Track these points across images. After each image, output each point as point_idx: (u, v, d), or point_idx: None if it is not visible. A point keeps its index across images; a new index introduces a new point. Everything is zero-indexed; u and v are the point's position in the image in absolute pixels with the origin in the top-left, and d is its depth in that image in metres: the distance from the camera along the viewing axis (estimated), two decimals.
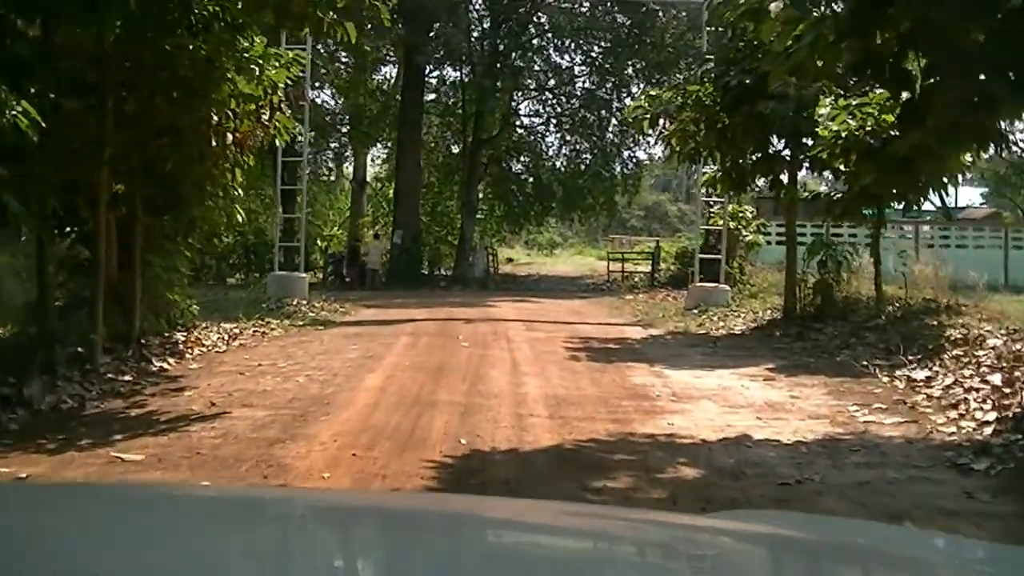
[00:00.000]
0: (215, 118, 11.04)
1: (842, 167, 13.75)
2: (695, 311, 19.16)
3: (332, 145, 37.21)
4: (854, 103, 13.20)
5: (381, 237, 33.26)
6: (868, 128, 13.09)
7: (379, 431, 7.85)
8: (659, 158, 41.12)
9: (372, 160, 41.02)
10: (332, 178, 43.72)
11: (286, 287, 19.92)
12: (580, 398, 9.50)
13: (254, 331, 15.31)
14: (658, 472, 6.73)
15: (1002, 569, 1.66)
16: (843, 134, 13.04)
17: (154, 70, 10.86)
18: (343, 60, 35.88)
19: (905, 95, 7.57)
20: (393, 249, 31.89)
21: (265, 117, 11.61)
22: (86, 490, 2.68)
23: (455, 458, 7.02)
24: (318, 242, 37.85)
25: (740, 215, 23.20)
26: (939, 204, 33.95)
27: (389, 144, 37.20)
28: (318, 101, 35.73)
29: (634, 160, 35.15)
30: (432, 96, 35.32)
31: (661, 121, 15.80)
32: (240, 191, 13.06)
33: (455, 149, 36.50)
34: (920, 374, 10.38)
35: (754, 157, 15.87)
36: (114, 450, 7.28)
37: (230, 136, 11.07)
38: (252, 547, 1.56)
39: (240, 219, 14.07)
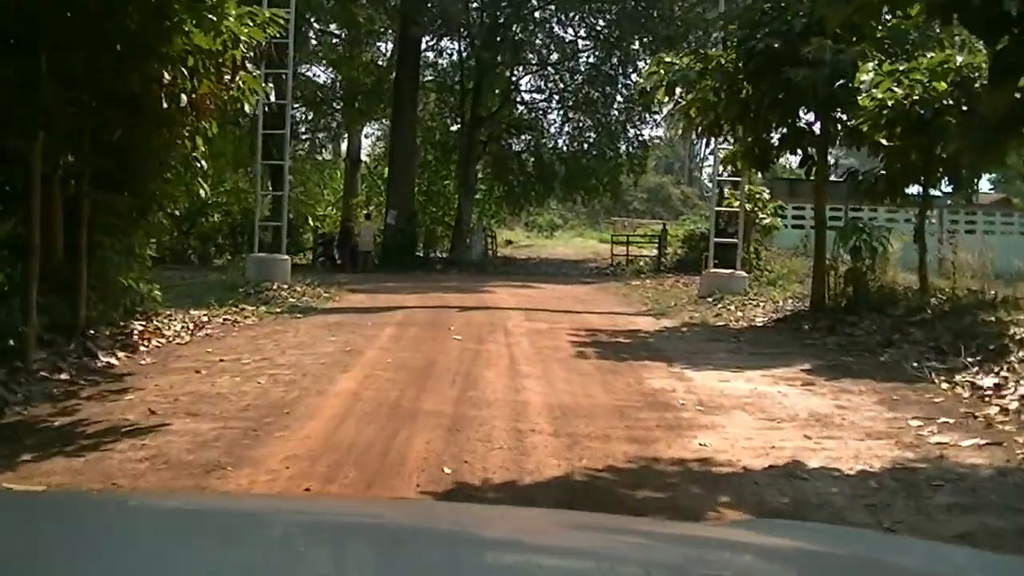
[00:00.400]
0: (167, 77, 9.47)
1: (884, 141, 12.15)
2: (710, 299, 17.66)
3: (323, 122, 35.46)
4: (901, 68, 11.63)
5: (373, 217, 31.69)
6: (916, 97, 11.51)
7: (344, 453, 6.35)
8: (667, 138, 39.14)
9: (367, 138, 39.43)
10: (328, 156, 42.17)
11: (266, 270, 18.40)
12: (590, 408, 7.99)
13: (224, 319, 13.83)
14: (696, 518, 5.23)
15: None
16: (889, 103, 11.44)
17: (96, 21, 9.28)
18: (335, 33, 34.28)
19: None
20: (386, 230, 30.35)
21: (227, 77, 10.01)
22: (76, 499, 2.63)
23: (435, 494, 5.53)
24: (310, 222, 36.44)
25: (756, 196, 21.60)
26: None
27: (384, 121, 35.57)
28: (309, 75, 34.22)
29: (640, 139, 33.50)
30: (429, 70, 33.68)
31: (678, 90, 14.21)
32: (204, 163, 11.50)
33: (453, 127, 34.79)
34: (987, 381, 8.87)
35: (780, 131, 14.32)
36: (11, 475, 5.82)
37: (184, 98, 9.48)
38: (244, 559, 1.51)
39: (204, 194, 12.47)
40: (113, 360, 10.13)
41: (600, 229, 61.07)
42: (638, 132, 33.11)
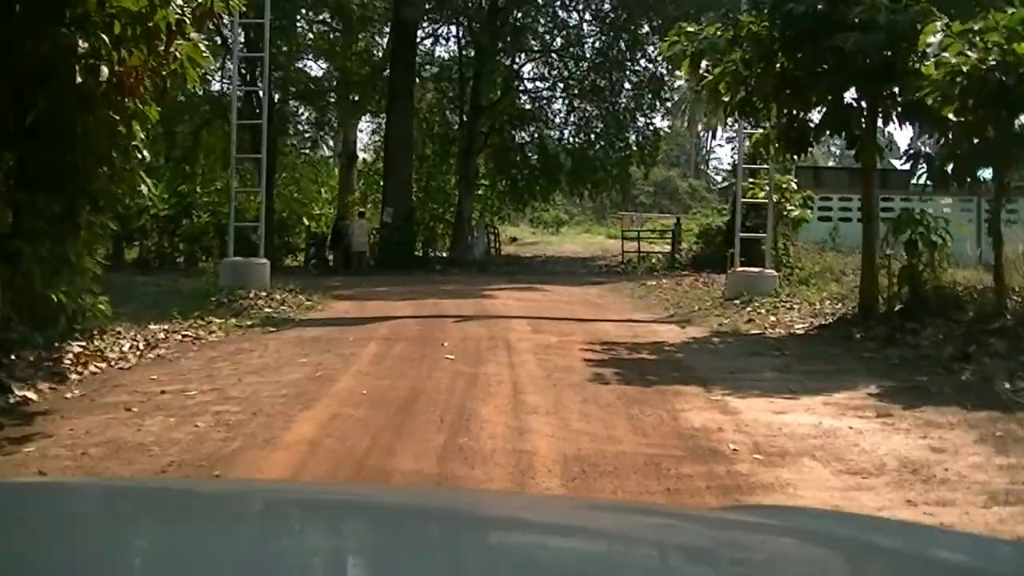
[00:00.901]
0: (83, 45, 7.62)
1: (952, 116, 10.21)
2: (737, 302, 15.79)
3: (315, 116, 33.59)
4: (976, 28, 9.72)
5: (367, 215, 29.83)
6: (993, 62, 9.59)
7: None
8: (676, 128, 36.91)
9: (363, 132, 37.56)
10: (325, 151, 40.32)
11: (242, 275, 16.57)
12: (617, 460, 6.13)
13: (184, 336, 11.98)
14: None
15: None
16: (964, 68, 9.50)
17: None
18: (326, 21, 32.39)
19: None
20: (382, 229, 28.52)
21: (161, 47, 8.14)
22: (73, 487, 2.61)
23: None
24: (305, 221, 34.66)
25: (783, 186, 19.69)
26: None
27: (381, 116, 33.65)
28: (299, 66, 32.38)
29: (651, 128, 31.57)
30: (426, 59, 31.84)
31: (704, 63, 12.30)
32: (145, 154, 9.65)
33: (452, 118, 32.89)
34: None
35: (821, 109, 12.43)
36: None
37: (105, 71, 7.62)
38: (245, 544, 1.50)
39: (147, 191, 10.60)
40: (30, 394, 8.29)
41: (607, 224, 59.25)
42: (648, 120, 31.21)
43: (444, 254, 30.90)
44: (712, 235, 29.45)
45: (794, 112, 12.47)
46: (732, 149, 29.94)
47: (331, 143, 38.68)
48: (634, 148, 31.27)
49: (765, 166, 17.90)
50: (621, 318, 14.46)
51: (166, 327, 12.34)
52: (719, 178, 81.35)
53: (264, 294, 16.17)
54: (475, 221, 31.27)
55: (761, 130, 14.63)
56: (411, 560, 1.42)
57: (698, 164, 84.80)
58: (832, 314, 13.90)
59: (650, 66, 30.39)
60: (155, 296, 15.83)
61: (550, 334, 12.06)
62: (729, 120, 14.82)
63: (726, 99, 12.34)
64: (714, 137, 73.12)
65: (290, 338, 11.93)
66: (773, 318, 14.10)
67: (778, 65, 12.01)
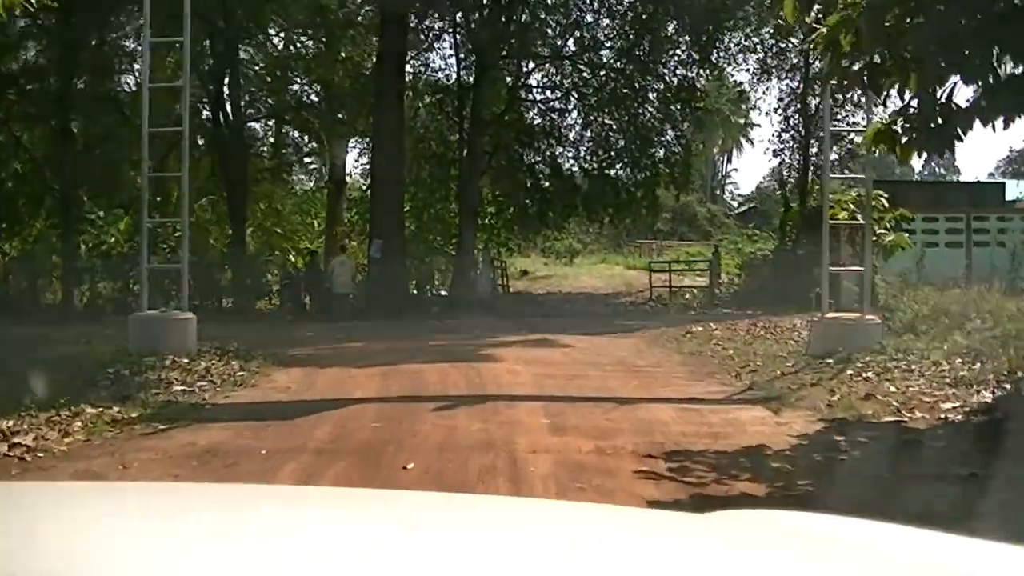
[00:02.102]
0: None
1: None
2: (830, 361, 11.46)
3: (296, 136, 29.35)
4: None
5: (350, 250, 25.60)
6: None
7: None
8: (696, 147, 32.35)
9: (355, 150, 33.28)
10: (307, 178, 36.27)
11: (157, 336, 12.30)
12: None
13: (14, 446, 7.72)
14: None
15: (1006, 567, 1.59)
16: None
17: None
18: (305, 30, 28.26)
19: None
20: (370, 265, 24.28)
21: None
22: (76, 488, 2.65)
23: None
24: (292, 258, 30.51)
25: (861, 202, 15.35)
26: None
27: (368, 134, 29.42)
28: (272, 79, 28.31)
29: (682, 142, 27.15)
30: (419, 63, 27.67)
31: (815, 9, 7.97)
32: None
33: (451, 135, 28.58)
34: None
35: (979, 82, 8.09)
36: None
37: None
38: (246, 544, 1.44)
39: None
40: None
41: (624, 253, 55.10)
42: (679, 133, 26.82)
43: (444, 292, 26.65)
44: (757, 265, 25.19)
45: (942, 84, 8.11)
46: (774, 158, 25.36)
47: (322, 168, 34.57)
48: (662, 167, 26.92)
49: (861, 175, 13.55)
50: (678, 393, 10.05)
51: (10, 424, 8.19)
52: (735, 203, 77.35)
53: (185, 360, 11.86)
54: (479, 254, 27.02)
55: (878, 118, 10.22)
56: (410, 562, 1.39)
57: (713, 189, 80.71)
58: (981, 382, 9.60)
59: (680, 70, 26.21)
60: (46, 362, 11.59)
61: (580, 435, 7.65)
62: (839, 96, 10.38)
63: (845, 64, 7.97)
64: (730, 161, 68.61)
65: (175, 448, 7.61)
66: (894, 388, 9.77)
67: (919, 15, 7.69)
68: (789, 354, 12.73)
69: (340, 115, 28.25)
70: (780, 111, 26.07)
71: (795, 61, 25.81)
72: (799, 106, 25.65)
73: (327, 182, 32.65)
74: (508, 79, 27.72)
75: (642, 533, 1.73)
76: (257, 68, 28.12)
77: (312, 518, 1.67)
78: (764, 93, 26.56)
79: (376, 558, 1.38)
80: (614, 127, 27.68)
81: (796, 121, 25.74)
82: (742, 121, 57.87)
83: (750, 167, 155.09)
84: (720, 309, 23.28)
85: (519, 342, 15.01)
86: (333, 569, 1.33)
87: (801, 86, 25.57)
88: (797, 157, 25.73)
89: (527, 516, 1.88)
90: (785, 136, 25.89)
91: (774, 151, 26.16)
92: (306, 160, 33.12)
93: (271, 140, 28.65)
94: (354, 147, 32.49)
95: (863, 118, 26.19)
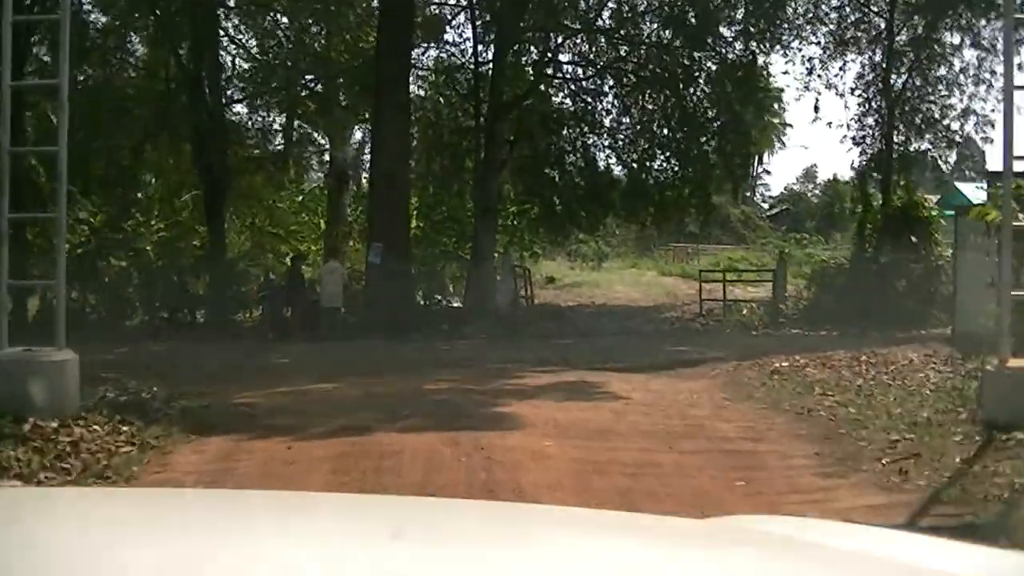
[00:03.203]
0: None
1: None
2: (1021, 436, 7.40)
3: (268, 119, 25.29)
4: None
5: (340, 254, 21.66)
6: None
7: None
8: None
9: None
10: (305, 174, 32.34)
11: (14, 387, 8.27)
12: None
13: None
14: None
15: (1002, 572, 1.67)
16: None
17: None
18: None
19: None
20: (368, 272, 20.32)
21: None
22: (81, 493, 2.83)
23: None
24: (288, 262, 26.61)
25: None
26: None
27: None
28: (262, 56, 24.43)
29: (740, 129, 22.92)
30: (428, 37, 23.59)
31: None
32: None
33: (466, 121, 24.52)
34: None
35: None
36: None
37: None
38: (252, 551, 1.47)
39: None
40: None
41: (653, 257, 50.97)
42: (738, 116, 22.61)
43: (457, 302, 22.65)
44: (830, 276, 21.10)
45: None
46: (854, 147, 21.06)
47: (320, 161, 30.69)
48: (715, 158, 22.78)
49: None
50: (825, 515, 5.97)
51: None
52: (764, 205, 73.10)
53: (53, 425, 7.88)
54: (498, 259, 23.02)
55: None
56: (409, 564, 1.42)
57: (744, 190, 76.49)
58: None
59: (738, 45, 22.11)
60: None
61: None
62: None
63: None
64: (760, 161, 63.99)
65: None
66: None
67: None
68: (944, 417, 8.64)
69: (340, 98, 24.29)
70: (859, 92, 21.86)
71: (877, 31, 21.66)
72: (881, 86, 21.45)
73: (326, 176, 28.73)
74: (533, 54, 23.61)
75: (637, 537, 1.75)
76: (241, 40, 24.26)
77: (302, 523, 1.69)
78: (841, 71, 21.87)
79: (366, 563, 1.40)
80: (657, 112, 23.56)
81: (878, 103, 21.53)
82: (775, 120, 53.65)
83: (778, 168, 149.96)
84: (787, 329, 19.25)
85: (549, 388, 10.91)
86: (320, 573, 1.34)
87: (884, 61, 21.40)
88: (878, 146, 21.52)
89: (524, 521, 1.94)
90: (867, 120, 21.63)
91: (853, 139, 21.89)
92: (299, 151, 29.00)
93: (256, 126, 24.54)
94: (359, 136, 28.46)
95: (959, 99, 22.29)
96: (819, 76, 22.20)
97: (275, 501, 2.16)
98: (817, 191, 78.72)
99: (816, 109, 23.36)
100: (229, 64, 24.28)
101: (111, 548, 1.40)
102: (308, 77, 24.30)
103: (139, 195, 25.88)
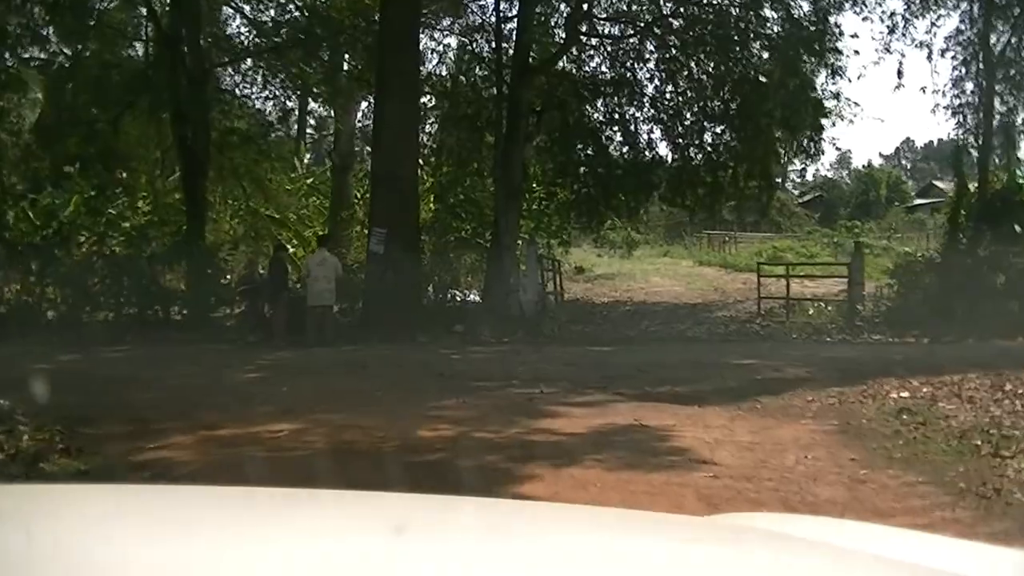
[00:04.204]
0: None
1: None
2: None
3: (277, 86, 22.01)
4: None
5: (331, 240, 18.53)
6: None
7: None
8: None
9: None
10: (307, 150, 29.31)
11: None
12: None
13: None
14: None
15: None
16: None
17: None
18: None
19: None
20: (369, 263, 17.25)
21: None
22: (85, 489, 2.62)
23: None
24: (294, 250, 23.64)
25: None
26: None
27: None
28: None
29: (813, 93, 19.47)
30: None
31: None
32: None
33: (486, 89, 21.31)
34: None
35: None
36: None
37: None
38: (254, 548, 1.42)
39: None
40: None
41: (685, 245, 47.75)
42: (809, 78, 19.21)
43: (476, 296, 19.51)
44: (917, 272, 17.85)
45: None
46: (951, 118, 17.66)
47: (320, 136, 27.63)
48: (781, 133, 19.43)
49: None
50: None
51: None
52: (795, 192, 70.11)
53: None
54: (523, 248, 19.85)
55: None
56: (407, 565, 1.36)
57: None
58: None
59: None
60: None
61: None
62: None
63: None
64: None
65: None
66: None
67: None
68: None
69: (345, 60, 21.05)
70: (954, 54, 18.44)
71: None
72: (979, 45, 18.06)
73: (331, 153, 25.64)
74: (564, 11, 20.38)
75: (639, 534, 1.72)
76: None
77: (302, 520, 1.66)
78: (934, 25, 18.53)
79: (366, 561, 1.37)
80: (708, 79, 20.25)
81: (976, 67, 18.14)
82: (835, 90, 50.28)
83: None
84: (867, 335, 16.08)
85: (594, 439, 7.65)
86: (322, 571, 1.31)
87: (982, 17, 17.99)
88: (974, 117, 18.13)
89: (525, 519, 1.89)
90: (966, 86, 18.22)
91: (952, 110, 18.49)
92: (293, 124, 25.90)
93: (243, 92, 21.31)
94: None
95: None
96: (903, 35, 18.82)
97: (278, 498, 1.98)
98: (848, 178, 75.94)
99: (900, 74, 19.70)
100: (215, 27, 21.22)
101: (111, 546, 1.35)
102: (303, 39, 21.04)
103: (122, 175, 22.93)
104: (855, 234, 37.59)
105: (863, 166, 79.00)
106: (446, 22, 21.82)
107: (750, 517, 2.04)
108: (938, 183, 72.37)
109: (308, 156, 30.94)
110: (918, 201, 63.84)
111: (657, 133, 21.30)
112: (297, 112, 26.06)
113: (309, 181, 28.52)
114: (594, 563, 1.41)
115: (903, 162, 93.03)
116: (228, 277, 18.63)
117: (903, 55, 26.88)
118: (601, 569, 1.37)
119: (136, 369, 12.56)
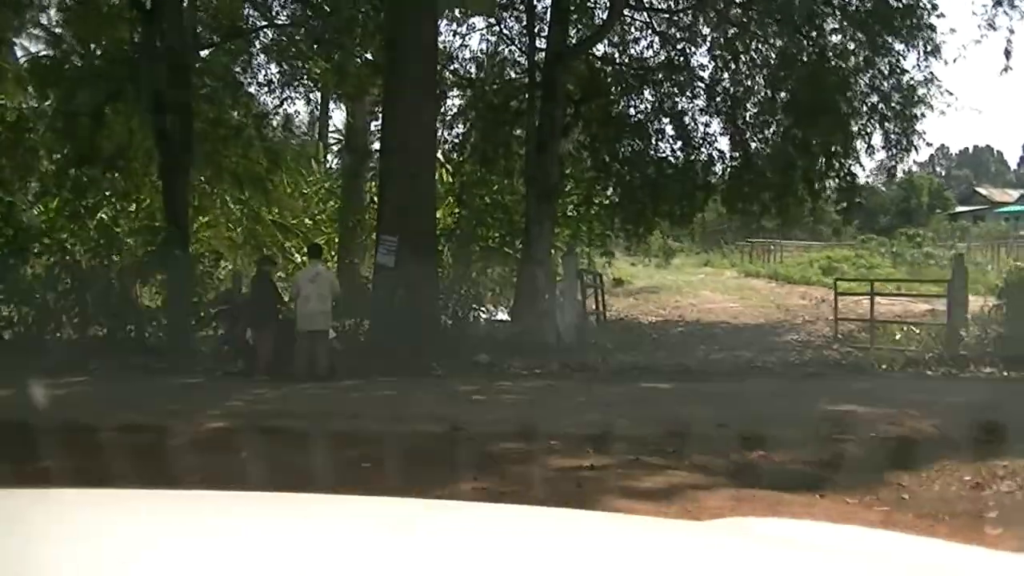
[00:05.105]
0: None
1: None
2: None
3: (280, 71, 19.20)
4: None
5: (325, 251, 15.87)
6: None
7: None
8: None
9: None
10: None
11: None
12: None
13: None
14: None
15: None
16: None
17: None
18: None
19: None
20: (376, 278, 14.57)
21: None
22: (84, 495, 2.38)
23: None
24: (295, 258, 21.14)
25: None
26: None
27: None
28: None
29: (904, 80, 16.60)
30: None
31: None
32: None
33: (516, 76, 18.61)
34: None
35: None
36: None
37: None
38: (254, 552, 1.44)
39: None
40: None
41: (723, 253, 45.19)
42: (896, 65, 16.37)
43: (504, 316, 16.80)
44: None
45: None
46: None
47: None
48: (863, 121, 16.61)
49: None
50: None
51: None
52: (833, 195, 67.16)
53: None
54: (559, 259, 17.12)
55: None
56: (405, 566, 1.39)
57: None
58: None
59: None
60: None
61: None
62: None
63: None
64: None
65: None
66: None
67: None
68: None
69: (354, 41, 18.32)
70: None
71: None
72: None
73: (340, 150, 22.98)
74: None
75: (636, 539, 1.72)
76: None
77: (304, 524, 1.64)
78: None
79: (367, 562, 1.37)
80: (773, 63, 17.44)
81: None
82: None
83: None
84: (975, 368, 13.18)
85: None
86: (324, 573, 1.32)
87: None
88: None
89: (523, 523, 1.89)
90: None
91: None
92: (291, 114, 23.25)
93: (230, 78, 18.52)
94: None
95: None
96: (1011, 9, 15.86)
97: (277, 503, 2.00)
98: (888, 185, 73.07)
99: (1008, 54, 16.66)
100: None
101: (111, 548, 1.37)
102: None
103: (106, 174, 20.39)
104: (916, 243, 34.58)
105: (904, 172, 76.00)
106: None
107: (748, 521, 1.98)
108: (980, 190, 69.54)
109: (335, 160, 28.43)
110: (960, 208, 61.18)
111: (714, 126, 18.59)
112: (319, 110, 23.37)
113: (327, 184, 26.11)
114: (594, 565, 1.41)
115: (937, 168, 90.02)
116: (204, 294, 15.95)
117: (1011, 31, 23.07)
118: (601, 569, 1.37)
119: (71, 410, 9.90)
